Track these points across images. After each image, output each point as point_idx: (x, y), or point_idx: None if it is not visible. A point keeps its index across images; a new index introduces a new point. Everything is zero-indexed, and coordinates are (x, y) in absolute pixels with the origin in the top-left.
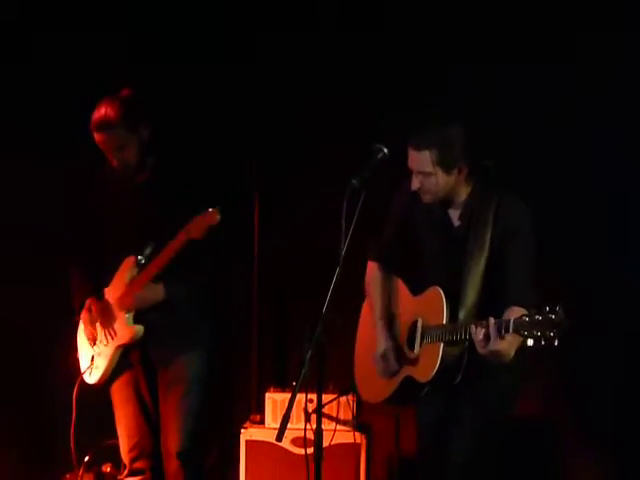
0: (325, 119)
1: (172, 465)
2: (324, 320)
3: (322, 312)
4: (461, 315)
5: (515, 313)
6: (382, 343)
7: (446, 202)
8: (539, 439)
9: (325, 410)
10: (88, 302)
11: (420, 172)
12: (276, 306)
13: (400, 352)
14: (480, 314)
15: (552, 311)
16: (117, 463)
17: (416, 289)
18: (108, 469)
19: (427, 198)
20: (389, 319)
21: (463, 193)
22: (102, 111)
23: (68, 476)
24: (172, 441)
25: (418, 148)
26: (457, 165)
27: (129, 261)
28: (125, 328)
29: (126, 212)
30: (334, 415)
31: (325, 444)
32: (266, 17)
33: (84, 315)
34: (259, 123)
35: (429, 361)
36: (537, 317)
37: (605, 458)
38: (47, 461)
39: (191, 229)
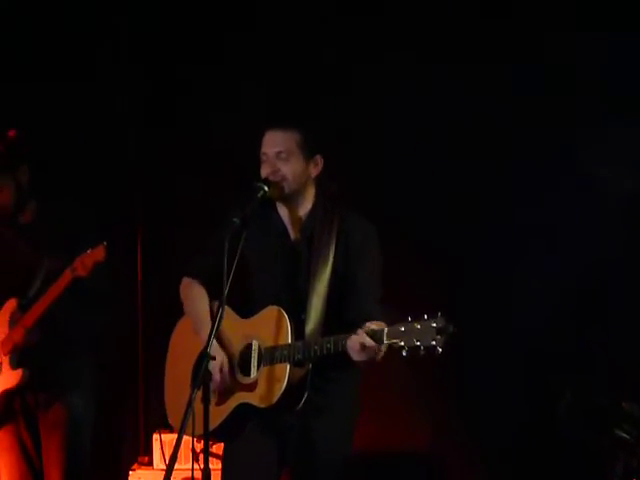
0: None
1: None
2: (209, 359)
3: (206, 350)
4: (307, 333)
5: (378, 325)
6: (217, 355)
7: (289, 203)
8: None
9: (213, 450)
10: None
11: (280, 153)
12: (162, 347)
13: (232, 378)
14: (326, 332)
15: (432, 318)
16: None
17: (244, 313)
18: None
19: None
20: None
21: (308, 200)
22: None
23: None
24: None
25: (283, 127)
26: (317, 154)
27: (11, 303)
28: (10, 372)
29: (9, 253)
30: (222, 454)
31: None
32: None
33: None
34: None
35: (271, 384)
36: (416, 325)
37: None
38: None
39: (77, 267)
